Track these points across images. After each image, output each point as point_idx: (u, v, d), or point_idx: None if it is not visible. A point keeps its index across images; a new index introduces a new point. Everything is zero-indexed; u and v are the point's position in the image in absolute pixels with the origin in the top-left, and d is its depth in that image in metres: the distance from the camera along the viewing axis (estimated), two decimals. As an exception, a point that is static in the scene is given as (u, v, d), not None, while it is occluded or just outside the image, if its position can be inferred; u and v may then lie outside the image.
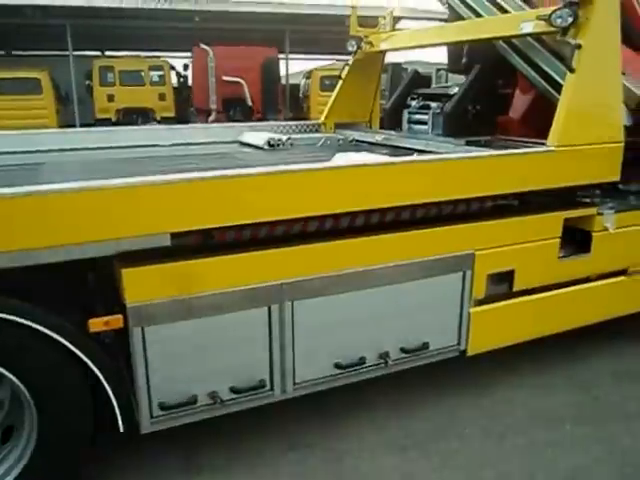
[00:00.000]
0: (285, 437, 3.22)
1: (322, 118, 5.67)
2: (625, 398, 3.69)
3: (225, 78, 15.36)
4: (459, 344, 3.44)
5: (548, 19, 3.54)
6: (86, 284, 2.75)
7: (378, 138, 4.90)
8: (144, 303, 2.46)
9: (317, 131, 5.60)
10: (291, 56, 21.30)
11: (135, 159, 4.15)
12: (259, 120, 14.23)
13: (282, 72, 19.49)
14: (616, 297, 4.02)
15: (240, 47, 15.79)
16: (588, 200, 3.96)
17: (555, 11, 3.52)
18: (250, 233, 2.76)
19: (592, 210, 3.74)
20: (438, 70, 14.18)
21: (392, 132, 4.93)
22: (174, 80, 19.42)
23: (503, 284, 3.54)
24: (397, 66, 19.01)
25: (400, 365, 3.28)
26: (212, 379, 2.73)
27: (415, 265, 3.14)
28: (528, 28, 3.72)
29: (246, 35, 18.16)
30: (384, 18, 5.55)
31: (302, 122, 5.69)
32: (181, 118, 17.03)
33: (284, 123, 5.64)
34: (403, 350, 3.22)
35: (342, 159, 3.42)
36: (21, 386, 2.38)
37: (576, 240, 3.81)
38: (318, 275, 2.86)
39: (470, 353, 3.50)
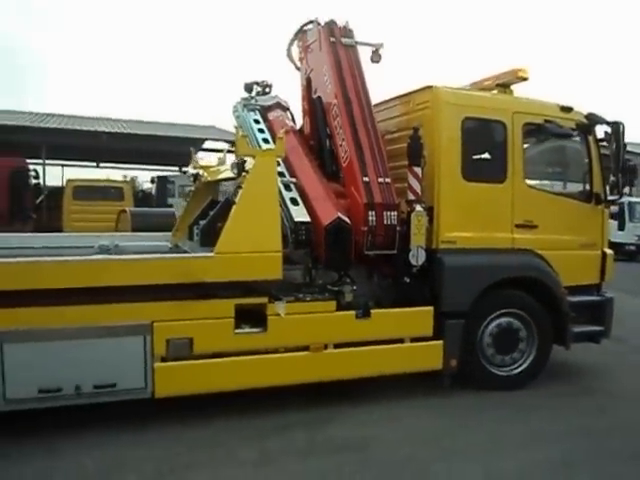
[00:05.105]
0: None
1: (173, 231, 8.12)
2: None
3: None
4: (146, 388, 5.47)
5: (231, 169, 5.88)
6: None
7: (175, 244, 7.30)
8: None
9: (166, 241, 8.00)
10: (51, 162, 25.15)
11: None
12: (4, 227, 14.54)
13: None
14: (299, 368, 5.90)
15: None
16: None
17: (233, 163, 5.85)
18: None
19: (263, 299, 5.77)
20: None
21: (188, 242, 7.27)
22: None
23: (185, 348, 5.57)
24: (163, 178, 24.34)
25: (96, 397, 5.32)
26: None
27: (107, 327, 5.30)
28: (229, 173, 6.08)
29: (3, 143, 20.03)
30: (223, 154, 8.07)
31: (157, 234, 8.16)
32: None
33: (145, 234, 8.09)
34: (95, 386, 5.31)
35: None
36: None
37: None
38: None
39: (157, 396, 5.47)
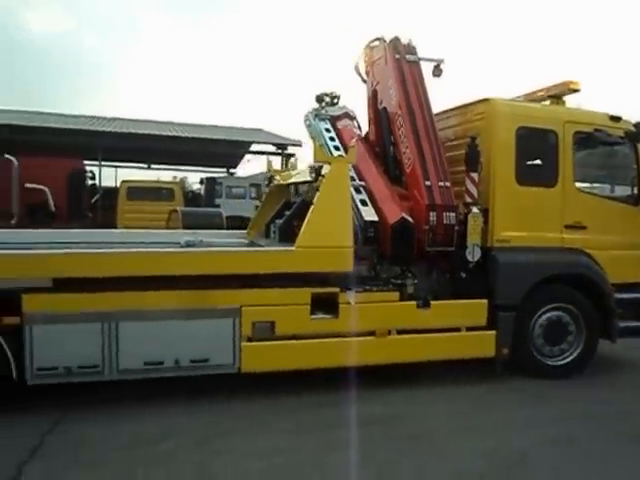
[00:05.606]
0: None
1: (248, 229, 9.08)
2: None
3: (28, 185, 17.48)
4: (234, 364, 6.38)
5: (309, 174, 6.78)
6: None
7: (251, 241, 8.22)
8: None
9: (242, 237, 8.93)
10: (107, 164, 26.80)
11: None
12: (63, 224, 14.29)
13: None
14: (365, 351, 6.73)
15: (47, 158, 18.18)
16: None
17: (310, 168, 6.75)
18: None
19: (335, 289, 6.63)
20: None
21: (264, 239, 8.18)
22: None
23: (268, 330, 6.47)
24: (211, 179, 26.09)
25: (192, 371, 6.26)
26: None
27: (202, 310, 6.23)
28: (307, 177, 6.97)
29: (63, 145, 21.77)
30: (294, 160, 8.99)
31: (232, 231, 9.10)
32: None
33: (221, 232, 9.05)
34: (191, 361, 6.25)
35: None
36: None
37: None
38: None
39: (243, 371, 6.38)
